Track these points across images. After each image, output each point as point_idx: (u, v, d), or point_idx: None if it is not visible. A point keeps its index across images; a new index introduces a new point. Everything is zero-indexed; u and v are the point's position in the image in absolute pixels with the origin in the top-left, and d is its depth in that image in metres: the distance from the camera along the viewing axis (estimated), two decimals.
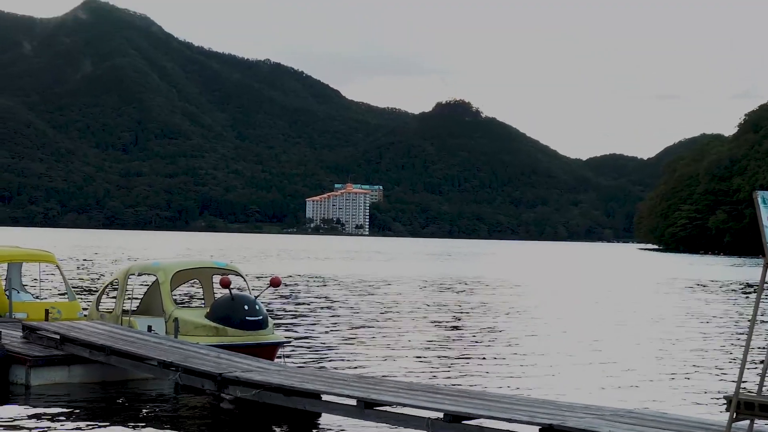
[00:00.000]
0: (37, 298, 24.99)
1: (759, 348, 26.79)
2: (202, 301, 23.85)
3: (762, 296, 9.83)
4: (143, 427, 14.35)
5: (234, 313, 19.26)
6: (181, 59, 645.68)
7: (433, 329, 31.60)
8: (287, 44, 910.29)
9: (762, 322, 35.85)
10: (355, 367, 21.46)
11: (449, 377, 20.51)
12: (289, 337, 24.17)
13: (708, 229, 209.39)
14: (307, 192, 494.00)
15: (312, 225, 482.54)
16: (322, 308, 38.12)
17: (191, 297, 37.93)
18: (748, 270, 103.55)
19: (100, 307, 22.20)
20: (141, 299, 22.55)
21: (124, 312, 21.00)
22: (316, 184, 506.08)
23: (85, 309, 23.91)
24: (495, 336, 29.82)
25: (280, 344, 19.90)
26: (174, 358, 16.22)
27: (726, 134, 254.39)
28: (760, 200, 9.32)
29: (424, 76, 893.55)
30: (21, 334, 18.90)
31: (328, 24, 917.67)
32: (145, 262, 25.69)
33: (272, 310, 34.19)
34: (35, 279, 31.12)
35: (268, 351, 18.94)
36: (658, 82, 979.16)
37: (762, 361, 23.04)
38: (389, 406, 13.04)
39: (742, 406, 9.49)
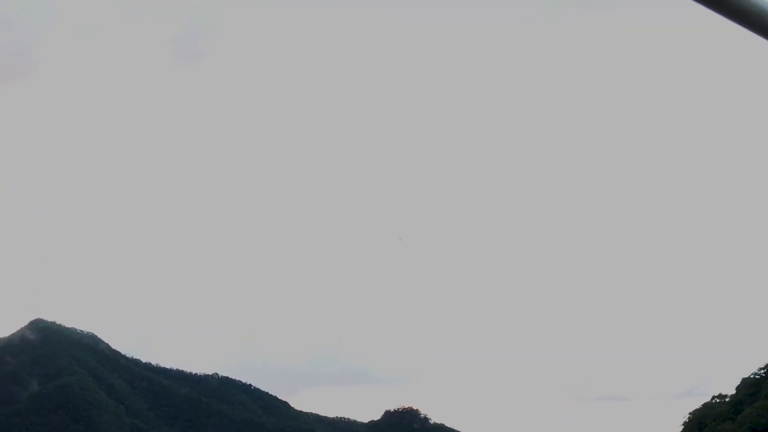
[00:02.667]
0: None
1: None
2: None
3: None
4: None
5: None
6: (129, 375, 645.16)
7: None
8: (234, 357, 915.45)
9: None
10: None
11: None
12: None
13: None
14: None
15: None
16: None
17: None
18: None
19: None
20: None
21: None
22: None
23: None
24: None
25: None
26: None
27: None
28: None
29: (372, 385, 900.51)
30: None
31: (274, 335, 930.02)
32: None
33: None
34: None
35: None
36: (600, 383, 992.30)
37: None
38: None
39: None
